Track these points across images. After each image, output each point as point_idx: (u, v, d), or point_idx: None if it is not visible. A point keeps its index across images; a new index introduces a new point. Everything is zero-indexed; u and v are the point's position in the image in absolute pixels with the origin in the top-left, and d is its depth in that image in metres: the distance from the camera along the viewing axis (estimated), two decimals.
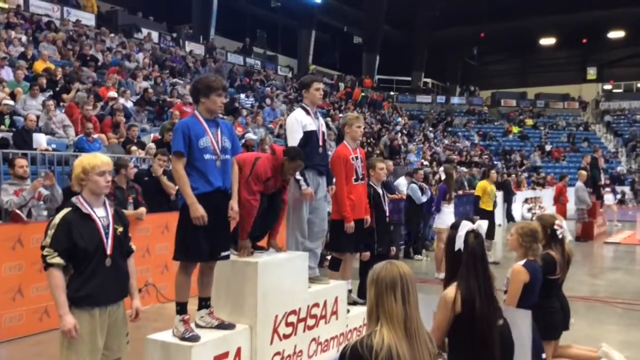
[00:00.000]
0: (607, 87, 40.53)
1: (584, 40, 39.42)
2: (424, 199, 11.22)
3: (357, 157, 5.61)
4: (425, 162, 20.44)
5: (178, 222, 4.11)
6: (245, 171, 4.55)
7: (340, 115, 19.81)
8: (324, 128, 5.39)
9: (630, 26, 35.86)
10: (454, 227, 3.27)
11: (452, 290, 3.13)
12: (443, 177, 9.93)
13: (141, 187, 7.54)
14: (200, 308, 4.24)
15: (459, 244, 3.17)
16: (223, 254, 4.18)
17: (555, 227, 4.42)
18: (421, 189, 11.32)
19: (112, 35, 18.65)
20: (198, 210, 3.92)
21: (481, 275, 3.13)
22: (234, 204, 4.22)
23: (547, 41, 39.99)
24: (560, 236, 4.44)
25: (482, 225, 3.27)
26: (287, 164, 4.70)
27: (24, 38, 14.72)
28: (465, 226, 3.21)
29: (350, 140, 5.65)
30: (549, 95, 38.61)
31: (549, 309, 4.30)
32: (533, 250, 4.08)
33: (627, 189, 25.56)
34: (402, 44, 38.22)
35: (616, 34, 37.57)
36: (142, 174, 8.18)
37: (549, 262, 4.28)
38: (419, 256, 11.45)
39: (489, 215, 10.41)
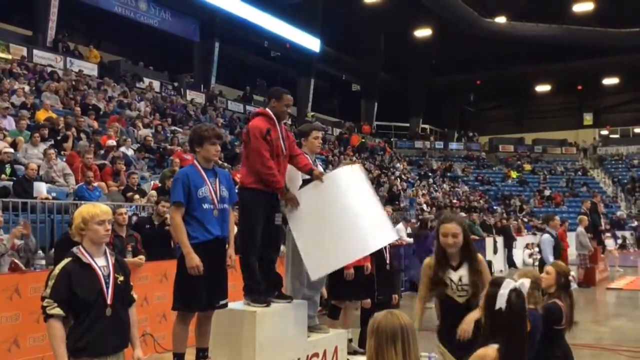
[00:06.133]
0: (604, 132, 40.93)
1: (579, 87, 39.96)
2: None
3: None
4: (426, 208, 20.49)
5: (176, 271, 4.11)
6: (252, 141, 4.42)
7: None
8: None
9: (624, 73, 36.45)
10: (496, 284, 3.13)
11: (492, 351, 2.96)
12: None
13: (142, 236, 7.50)
14: (198, 359, 4.19)
15: (501, 302, 3.02)
16: (221, 302, 4.16)
17: (570, 278, 4.38)
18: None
19: (114, 84, 18.89)
20: (193, 260, 3.93)
21: (521, 335, 3.03)
22: (232, 252, 4.23)
23: (543, 88, 40.57)
24: (571, 286, 4.40)
25: (525, 283, 3.15)
26: (277, 106, 4.60)
27: (26, 88, 14.83)
28: (509, 284, 3.07)
29: None
30: (546, 141, 38.90)
31: (551, 358, 4.23)
32: (534, 297, 4.03)
33: (627, 233, 25.42)
34: (399, 91, 38.76)
35: (610, 81, 38.14)
36: (143, 222, 8.16)
37: (555, 312, 4.21)
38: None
39: None
